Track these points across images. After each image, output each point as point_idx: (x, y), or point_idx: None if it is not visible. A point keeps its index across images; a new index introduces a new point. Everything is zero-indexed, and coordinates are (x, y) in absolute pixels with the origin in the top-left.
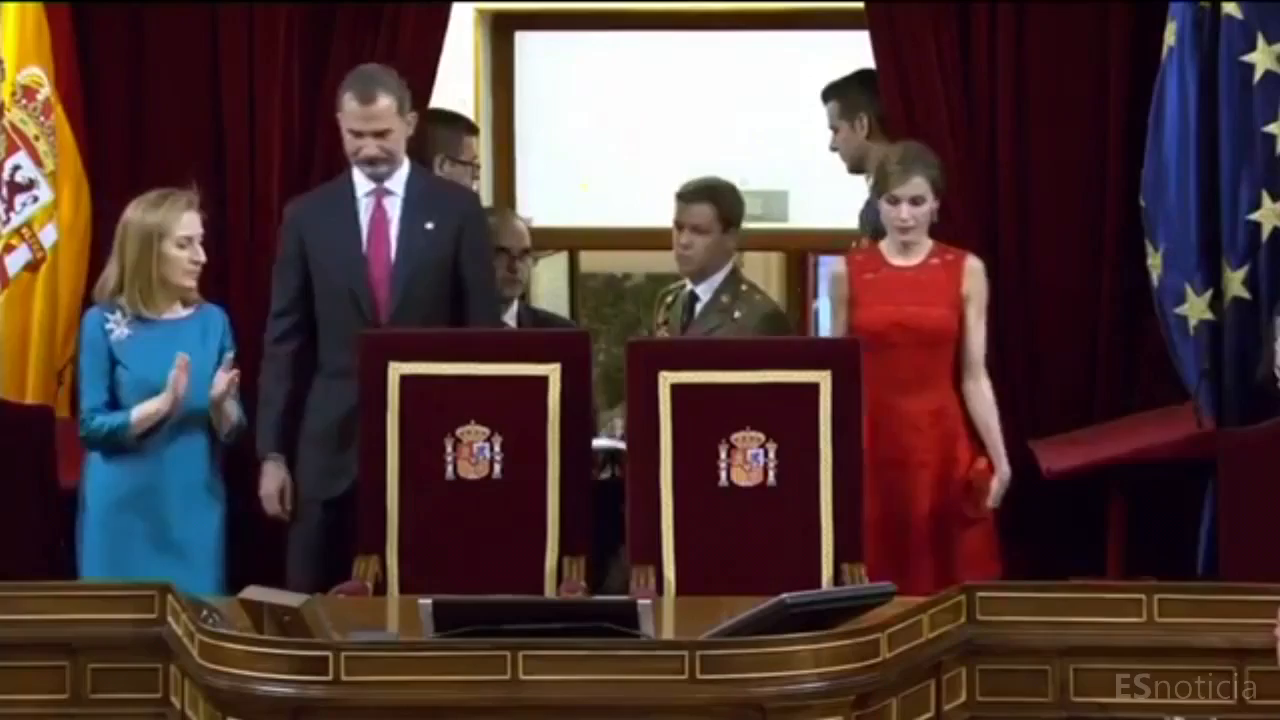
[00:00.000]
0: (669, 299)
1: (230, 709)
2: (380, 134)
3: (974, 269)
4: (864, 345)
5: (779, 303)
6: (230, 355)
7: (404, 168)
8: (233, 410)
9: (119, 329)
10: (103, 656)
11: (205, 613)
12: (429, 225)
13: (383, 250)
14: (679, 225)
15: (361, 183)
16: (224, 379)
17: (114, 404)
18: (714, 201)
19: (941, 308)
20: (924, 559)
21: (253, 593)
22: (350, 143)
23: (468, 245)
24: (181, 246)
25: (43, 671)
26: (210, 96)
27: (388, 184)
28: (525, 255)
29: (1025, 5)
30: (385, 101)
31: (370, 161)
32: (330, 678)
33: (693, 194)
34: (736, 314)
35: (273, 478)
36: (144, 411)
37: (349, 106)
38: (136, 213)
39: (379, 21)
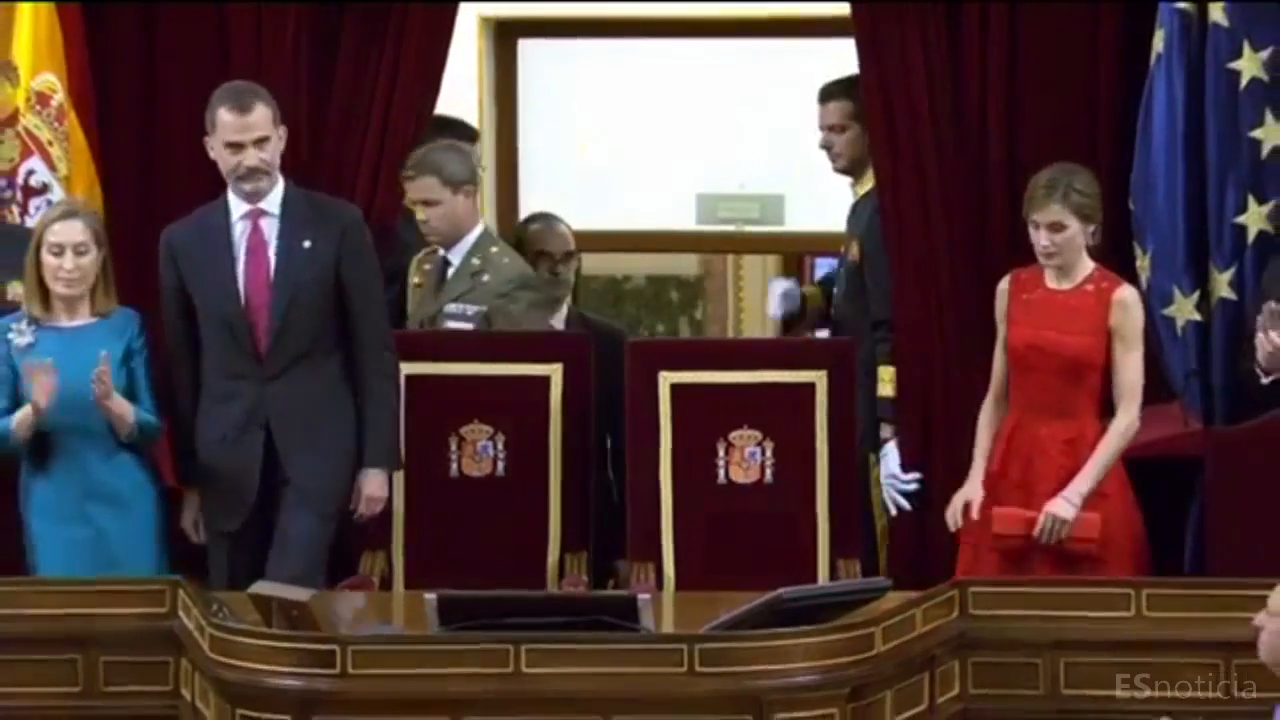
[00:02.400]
0: (426, 265)
1: (240, 701)
2: (259, 143)
3: (1121, 300)
4: (1010, 365)
5: None
6: (104, 354)
7: (279, 186)
8: (125, 411)
9: (21, 338)
10: (115, 650)
11: (215, 607)
12: (306, 243)
13: (261, 275)
14: (410, 204)
15: (236, 206)
16: (96, 383)
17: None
18: (434, 172)
19: (1083, 335)
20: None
21: (262, 588)
22: (228, 159)
23: (348, 254)
24: (53, 254)
25: (56, 665)
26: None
27: (263, 204)
28: (568, 259)
29: (1016, 10)
30: (262, 110)
31: (252, 173)
32: (337, 671)
33: (414, 170)
34: (485, 277)
35: (189, 509)
36: (19, 418)
37: (224, 119)
38: (40, 218)
39: (385, 28)
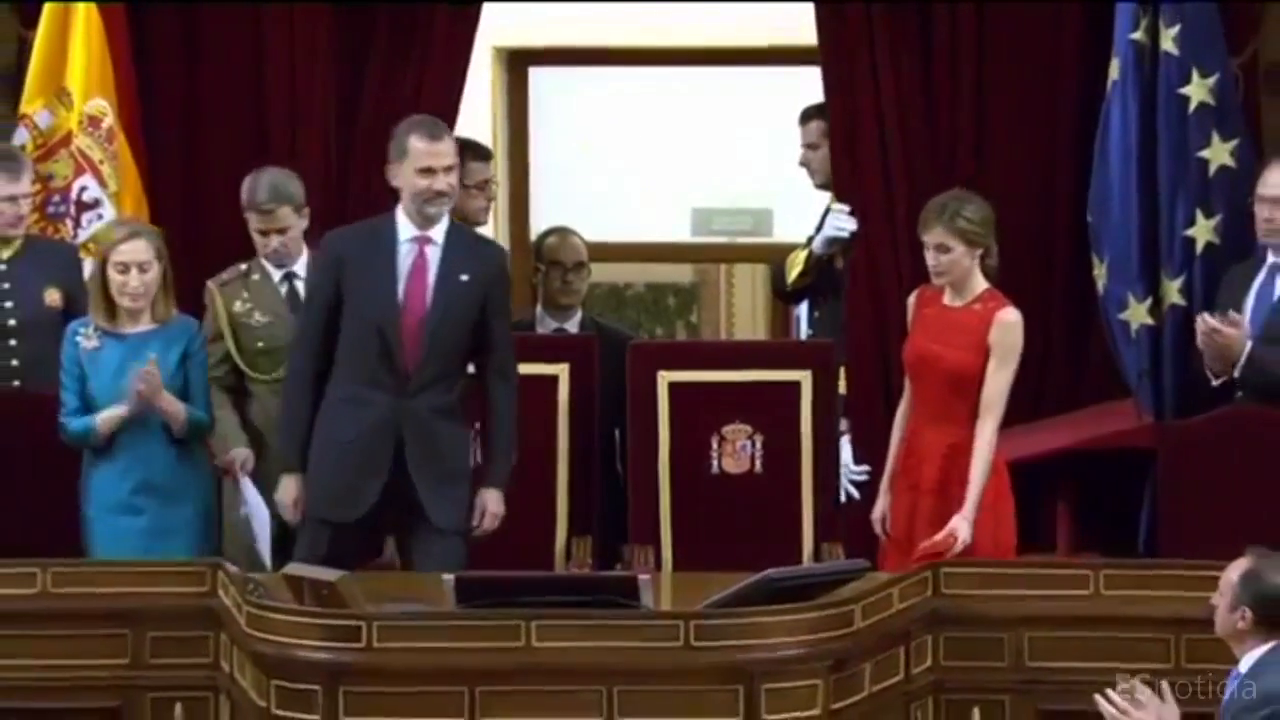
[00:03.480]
0: (250, 288)
1: (274, 672)
2: (448, 169)
3: (1001, 320)
4: (907, 374)
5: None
6: (152, 356)
7: (445, 219)
8: (177, 410)
9: (88, 342)
10: (160, 626)
11: (252, 586)
12: (464, 277)
13: (419, 298)
14: (261, 232)
15: (405, 229)
16: (140, 383)
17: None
18: (288, 200)
19: (964, 350)
20: None
21: (294, 569)
22: (418, 184)
23: (494, 297)
24: (119, 271)
25: (106, 639)
26: (256, 126)
27: (430, 233)
28: (580, 269)
29: (984, 43)
30: (449, 141)
31: (439, 196)
32: (363, 645)
33: (272, 203)
34: None
35: (290, 489)
36: (106, 416)
37: (417, 147)
38: (98, 233)
39: (407, 60)
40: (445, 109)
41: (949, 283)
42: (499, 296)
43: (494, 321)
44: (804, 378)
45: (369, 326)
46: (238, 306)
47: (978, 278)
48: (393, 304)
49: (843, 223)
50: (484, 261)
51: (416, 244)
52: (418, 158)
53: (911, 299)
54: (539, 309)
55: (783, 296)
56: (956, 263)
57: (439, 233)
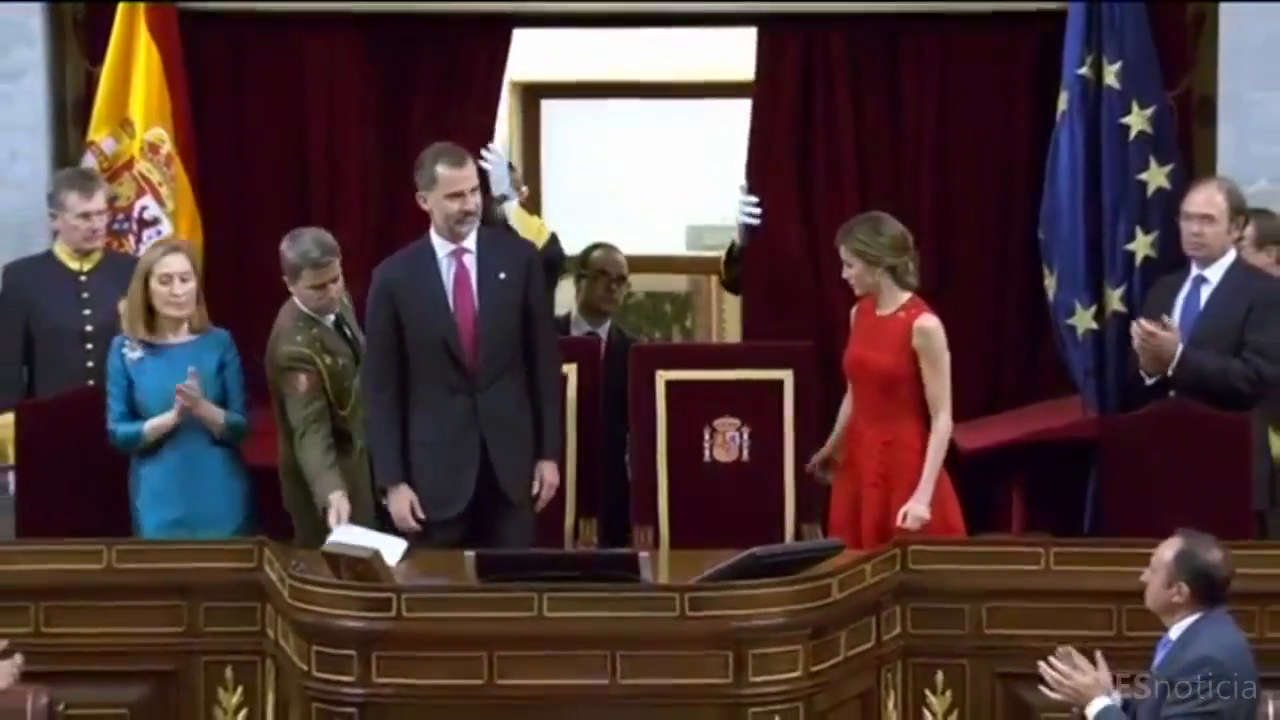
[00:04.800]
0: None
1: (313, 639)
2: (474, 190)
3: (920, 328)
4: (847, 377)
5: None
6: (191, 370)
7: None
8: (215, 415)
9: (133, 352)
10: (212, 597)
11: (294, 562)
12: (501, 275)
13: (468, 303)
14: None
15: (441, 246)
16: (181, 396)
17: (138, 414)
18: (335, 253)
19: (888, 354)
20: None
21: (331, 546)
22: (449, 208)
23: (533, 287)
24: (163, 283)
25: (164, 610)
26: (297, 151)
27: (464, 243)
28: (622, 281)
29: (948, 78)
30: (471, 164)
31: (468, 216)
32: (394, 614)
33: (329, 257)
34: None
35: (400, 500)
36: (154, 424)
37: (444, 174)
38: (142, 256)
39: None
40: (482, 136)
41: (863, 293)
42: (536, 283)
43: (534, 306)
44: (787, 376)
45: (432, 340)
46: (329, 361)
47: (895, 290)
48: (446, 315)
49: (752, 210)
50: (515, 256)
51: (454, 256)
52: (446, 184)
53: (853, 311)
54: (574, 313)
55: (728, 287)
56: (859, 277)
57: (470, 241)
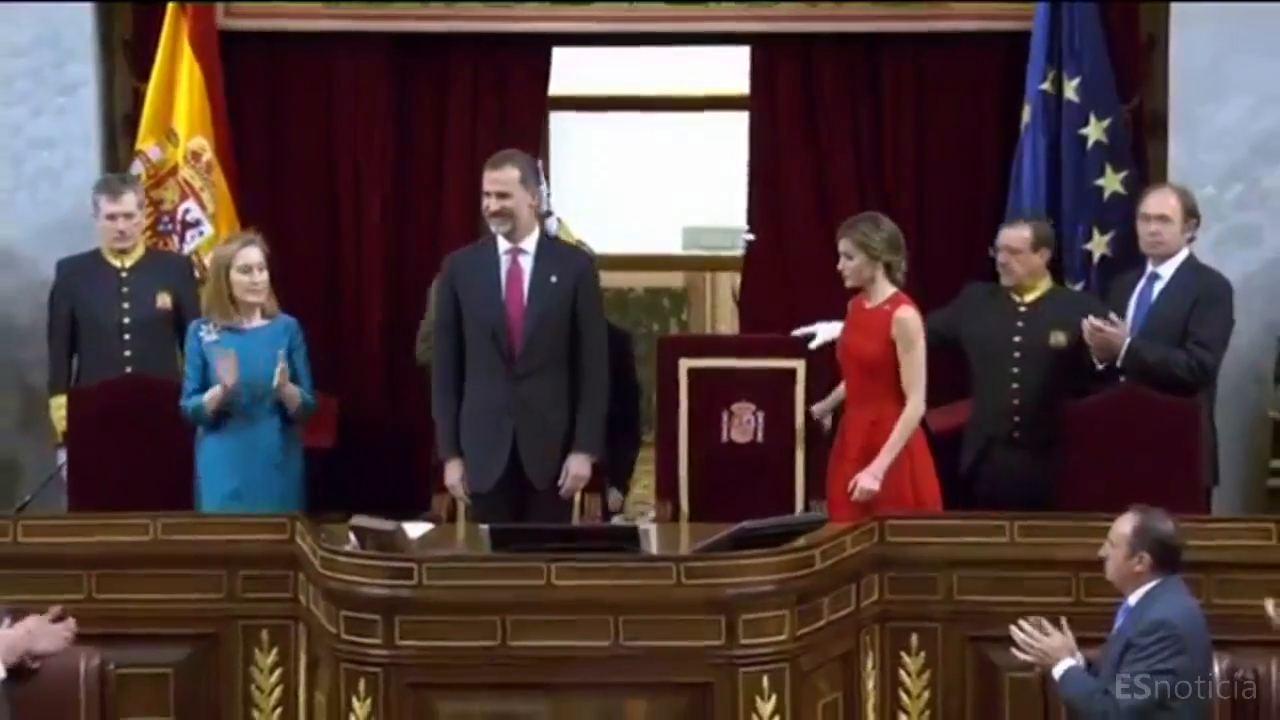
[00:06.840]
0: None
1: (342, 605)
2: (501, 195)
3: (898, 318)
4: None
5: None
6: (281, 353)
7: (535, 232)
8: (294, 394)
9: (209, 335)
10: (250, 566)
11: (324, 535)
12: (553, 279)
13: (517, 299)
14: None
15: (502, 244)
16: (277, 373)
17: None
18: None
19: (872, 342)
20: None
21: (359, 520)
22: (484, 204)
23: (583, 295)
24: (243, 272)
25: (206, 578)
26: (326, 157)
27: (522, 245)
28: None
29: (924, 94)
30: (510, 170)
31: (491, 215)
32: (415, 582)
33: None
34: None
35: (453, 473)
36: (210, 395)
37: (486, 175)
38: (215, 250)
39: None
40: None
41: (855, 286)
42: (587, 292)
43: (584, 313)
44: (799, 365)
45: (483, 326)
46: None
47: (885, 284)
48: (498, 304)
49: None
50: (570, 265)
51: (511, 255)
52: (484, 184)
53: (850, 305)
54: None
55: None
56: (857, 270)
57: (530, 243)
